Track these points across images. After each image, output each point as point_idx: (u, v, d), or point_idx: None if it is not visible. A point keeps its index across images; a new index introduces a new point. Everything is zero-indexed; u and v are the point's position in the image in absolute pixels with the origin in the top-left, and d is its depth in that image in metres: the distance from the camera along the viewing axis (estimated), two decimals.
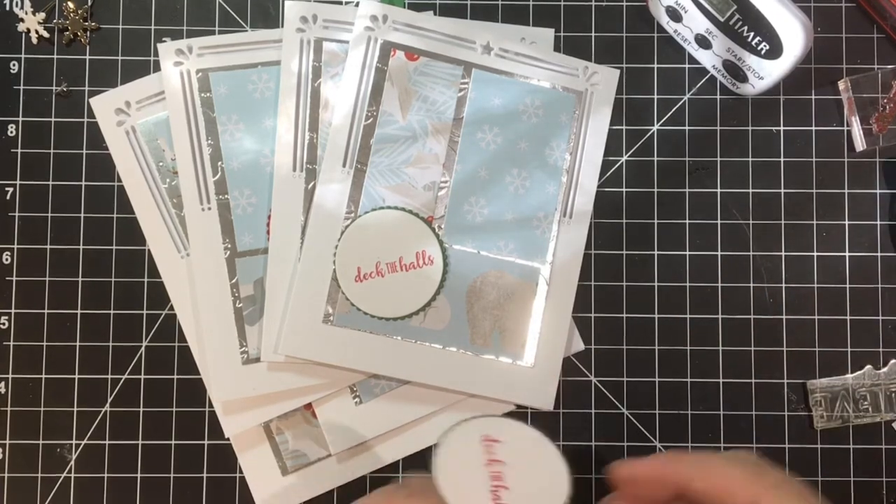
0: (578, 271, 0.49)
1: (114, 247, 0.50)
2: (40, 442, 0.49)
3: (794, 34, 0.45)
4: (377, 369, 0.48)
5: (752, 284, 0.50)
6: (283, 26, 0.50)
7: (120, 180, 0.50)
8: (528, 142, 0.49)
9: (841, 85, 0.50)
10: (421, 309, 0.48)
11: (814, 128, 0.51)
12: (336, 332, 0.47)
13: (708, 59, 0.50)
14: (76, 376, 0.50)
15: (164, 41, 0.50)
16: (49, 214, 0.50)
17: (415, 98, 0.49)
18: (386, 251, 0.48)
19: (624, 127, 0.51)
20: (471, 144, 0.49)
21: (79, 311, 0.50)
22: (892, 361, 0.50)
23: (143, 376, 0.50)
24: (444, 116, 0.49)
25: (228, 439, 0.49)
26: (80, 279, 0.50)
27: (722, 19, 0.46)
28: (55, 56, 0.51)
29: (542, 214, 0.49)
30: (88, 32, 0.50)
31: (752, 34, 0.46)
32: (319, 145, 0.49)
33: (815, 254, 0.50)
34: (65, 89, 0.50)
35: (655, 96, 0.51)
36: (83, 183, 0.50)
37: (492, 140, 0.49)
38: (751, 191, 0.51)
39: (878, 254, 0.51)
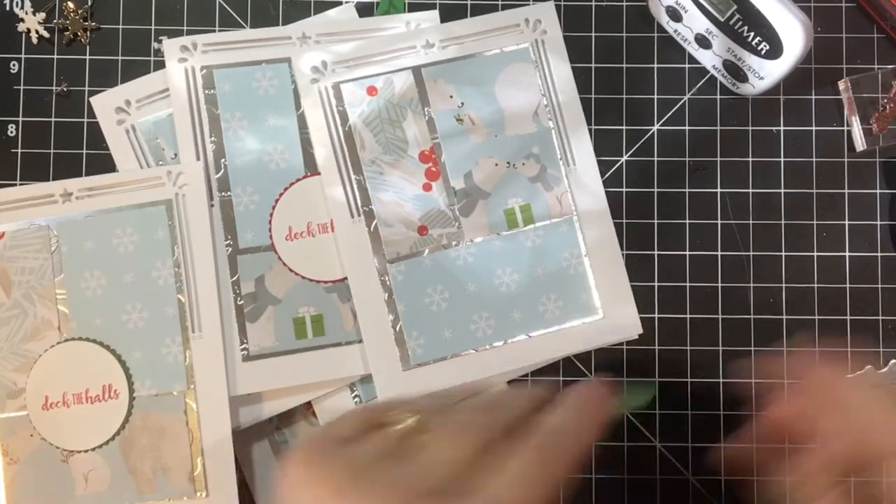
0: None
1: None
2: None
3: (794, 34, 0.45)
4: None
5: (751, 284, 0.50)
6: (282, 24, 0.50)
7: None
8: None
9: (841, 85, 0.50)
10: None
11: (814, 128, 0.51)
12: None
13: (708, 59, 0.50)
14: None
15: (163, 39, 0.50)
16: None
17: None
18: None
19: (624, 127, 0.51)
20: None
21: None
22: (893, 361, 0.50)
23: None
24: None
25: None
26: None
27: (722, 19, 0.46)
28: (55, 56, 0.51)
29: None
30: (88, 32, 0.50)
31: (752, 34, 0.46)
32: (369, 185, 0.49)
33: (815, 254, 0.50)
34: (65, 89, 0.50)
35: (655, 96, 0.51)
36: None
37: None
38: (751, 191, 0.51)
39: (878, 254, 0.51)
